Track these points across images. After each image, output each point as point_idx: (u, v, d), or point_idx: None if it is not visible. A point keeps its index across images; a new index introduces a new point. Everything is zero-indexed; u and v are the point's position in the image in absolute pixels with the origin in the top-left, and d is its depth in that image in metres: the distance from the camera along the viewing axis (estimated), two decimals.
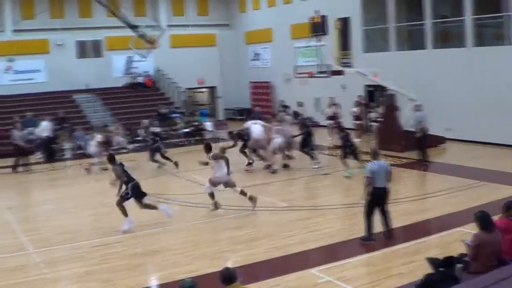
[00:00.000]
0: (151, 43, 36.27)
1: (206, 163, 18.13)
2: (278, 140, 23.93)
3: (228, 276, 8.27)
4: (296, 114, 28.32)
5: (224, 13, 45.69)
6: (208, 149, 17.91)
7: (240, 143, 24.89)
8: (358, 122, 30.93)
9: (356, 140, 29.31)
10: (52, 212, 19.48)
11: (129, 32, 36.09)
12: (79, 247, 15.03)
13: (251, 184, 21.22)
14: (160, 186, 22.38)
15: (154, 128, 27.24)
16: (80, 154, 29.44)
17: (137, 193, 16.32)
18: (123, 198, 16.16)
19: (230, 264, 12.04)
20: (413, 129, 23.92)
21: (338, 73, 29.12)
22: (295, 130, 25.16)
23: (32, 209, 20.45)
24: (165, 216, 16.47)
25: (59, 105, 35.30)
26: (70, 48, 39.81)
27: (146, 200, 16.56)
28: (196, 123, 34.81)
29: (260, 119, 25.86)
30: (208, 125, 33.33)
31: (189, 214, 17.74)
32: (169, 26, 41.86)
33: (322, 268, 12.37)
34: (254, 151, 24.79)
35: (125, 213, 16.12)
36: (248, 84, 44.21)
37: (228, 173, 17.76)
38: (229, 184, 17.94)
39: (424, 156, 23.56)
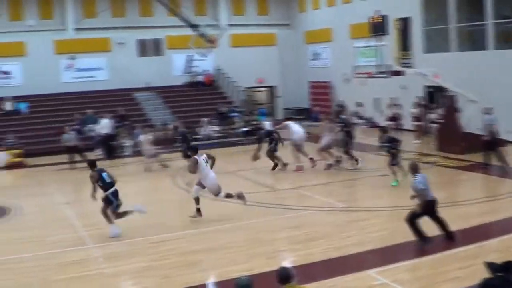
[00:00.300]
0: (211, 42, 36.43)
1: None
2: (327, 138, 23.86)
3: (284, 275, 8.24)
4: (338, 114, 27.96)
5: (284, 12, 45.63)
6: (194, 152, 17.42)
7: (264, 145, 24.81)
8: (417, 123, 30.54)
9: (415, 142, 29.06)
10: None
11: (189, 31, 36.33)
12: (138, 242, 15.19)
13: (310, 184, 21.19)
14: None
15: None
16: (140, 151, 29.73)
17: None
18: (107, 205, 16.05)
19: (286, 264, 12.01)
20: (482, 132, 23.31)
21: (398, 73, 28.77)
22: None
23: (91, 205, 20.72)
24: (140, 213, 16.29)
25: (120, 102, 35.77)
26: (131, 47, 40.31)
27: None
28: (255, 122, 34.86)
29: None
30: (267, 124, 33.30)
31: (247, 213, 17.76)
32: (229, 25, 41.98)
33: (378, 270, 12.25)
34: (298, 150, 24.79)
35: (110, 221, 16.04)
36: (307, 84, 44.09)
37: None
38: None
39: (494, 159, 22.79)
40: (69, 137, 28.26)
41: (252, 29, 43.63)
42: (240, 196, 17.45)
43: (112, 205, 15.98)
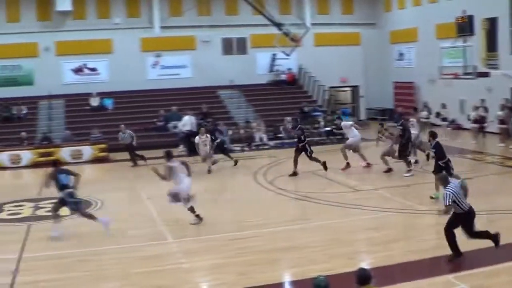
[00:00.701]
0: (295, 41, 36.36)
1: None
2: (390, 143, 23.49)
3: (363, 276, 8.12)
4: (399, 116, 27.34)
5: (369, 12, 45.11)
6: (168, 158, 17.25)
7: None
8: (502, 126, 29.68)
9: (500, 145, 28.29)
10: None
11: (273, 30, 36.36)
12: (216, 239, 15.25)
13: (391, 185, 20.89)
14: (300, 184, 22.38)
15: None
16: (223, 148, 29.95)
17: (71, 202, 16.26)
18: (61, 205, 16.24)
19: (365, 265, 11.83)
20: None
21: (484, 75, 28.16)
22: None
23: None
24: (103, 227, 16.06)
25: (203, 100, 36.04)
26: (216, 45, 40.61)
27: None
28: (337, 122, 34.59)
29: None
30: (349, 124, 33.03)
31: (327, 212, 17.62)
32: (313, 24, 41.76)
33: (457, 275, 11.99)
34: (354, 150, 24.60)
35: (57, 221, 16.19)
36: (392, 84, 43.51)
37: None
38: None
39: None
40: (124, 136, 28.70)
41: (336, 28, 43.27)
42: (198, 217, 16.95)
43: (67, 206, 16.28)
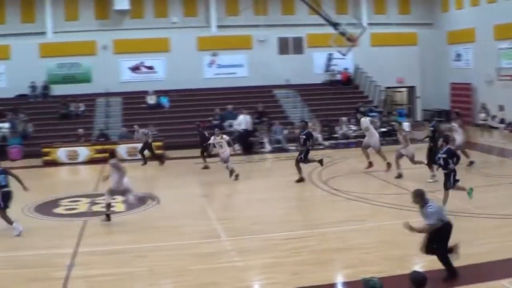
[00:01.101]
0: (352, 41, 36.19)
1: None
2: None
3: (418, 279, 8.05)
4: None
5: (426, 12, 44.59)
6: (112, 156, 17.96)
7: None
8: None
9: None
10: (246, 202, 20.07)
11: (330, 30, 36.24)
12: (270, 238, 15.28)
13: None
14: (355, 185, 22.25)
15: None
16: (278, 148, 30.03)
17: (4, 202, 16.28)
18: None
19: (419, 268, 11.71)
20: None
21: None
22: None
23: (227, 198, 21.03)
24: (14, 233, 16.11)
25: (259, 99, 36.16)
26: (272, 44, 40.67)
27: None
28: (393, 123, 34.30)
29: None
30: (405, 125, 32.76)
31: (380, 214, 17.50)
32: (370, 24, 41.49)
33: None
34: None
35: (9, 222, 16.23)
36: (448, 85, 42.96)
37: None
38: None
39: None
40: (139, 135, 29.28)
41: (392, 28, 42.93)
42: (107, 215, 17.52)
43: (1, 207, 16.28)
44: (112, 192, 17.87)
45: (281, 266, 13.02)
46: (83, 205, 20.18)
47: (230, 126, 32.93)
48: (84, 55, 38.42)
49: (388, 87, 41.38)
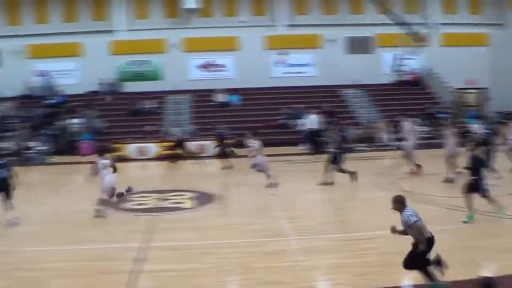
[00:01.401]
0: (422, 41, 35.82)
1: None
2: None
3: (488, 285, 7.95)
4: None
5: (498, 12, 43.72)
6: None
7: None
8: None
9: None
10: (313, 202, 20.06)
11: (399, 30, 35.94)
12: (335, 238, 15.25)
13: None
14: (424, 187, 21.99)
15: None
16: (346, 148, 29.89)
17: None
18: None
19: (486, 273, 11.53)
20: None
21: None
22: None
23: (294, 197, 21.02)
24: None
25: (327, 99, 36.12)
26: (340, 44, 40.52)
27: None
28: (463, 125, 33.77)
29: None
30: (476, 127, 32.25)
31: (450, 217, 17.26)
32: (440, 24, 40.94)
33: None
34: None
35: None
36: None
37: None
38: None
39: None
40: (175, 131, 29.80)
41: (462, 28, 42.24)
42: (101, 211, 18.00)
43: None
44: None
45: (345, 267, 12.98)
46: (152, 201, 20.53)
47: (298, 125, 32.92)
48: (154, 53, 39.01)
49: (459, 88, 40.74)
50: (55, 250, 14.73)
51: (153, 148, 31.00)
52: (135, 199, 20.65)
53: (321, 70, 39.68)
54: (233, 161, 28.41)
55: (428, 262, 11.08)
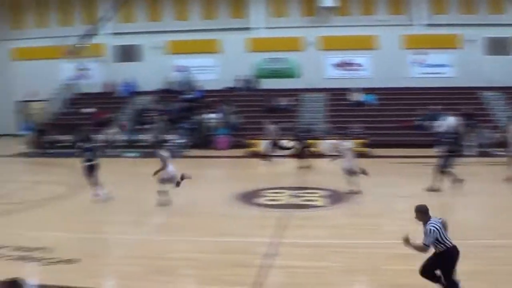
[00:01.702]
0: None
1: None
2: None
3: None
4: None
5: None
6: None
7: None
8: None
9: None
10: (449, 206, 19.82)
11: None
12: (470, 245, 14.88)
13: None
14: None
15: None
16: (484, 152, 29.24)
17: None
18: None
19: None
20: None
21: None
22: None
23: (429, 200, 20.67)
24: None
25: (465, 101, 35.31)
26: (480, 44, 39.50)
27: None
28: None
29: None
30: None
31: None
32: None
33: None
34: None
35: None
36: None
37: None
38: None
39: None
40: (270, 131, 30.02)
41: None
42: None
43: None
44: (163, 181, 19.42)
45: (480, 274, 12.74)
46: (285, 197, 20.81)
47: (435, 127, 32.37)
48: (291, 51, 39.39)
49: None
50: (188, 241, 15.34)
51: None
52: (268, 195, 21.00)
53: (460, 71, 38.85)
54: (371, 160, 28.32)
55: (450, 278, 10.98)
